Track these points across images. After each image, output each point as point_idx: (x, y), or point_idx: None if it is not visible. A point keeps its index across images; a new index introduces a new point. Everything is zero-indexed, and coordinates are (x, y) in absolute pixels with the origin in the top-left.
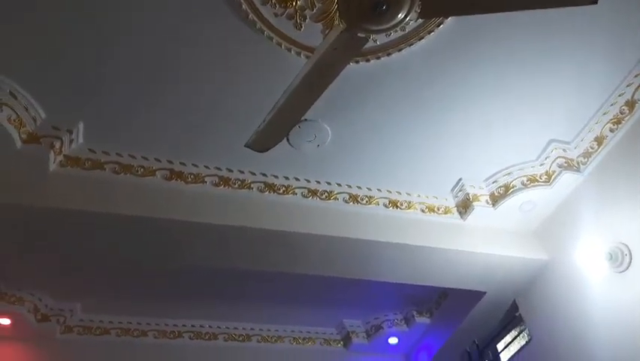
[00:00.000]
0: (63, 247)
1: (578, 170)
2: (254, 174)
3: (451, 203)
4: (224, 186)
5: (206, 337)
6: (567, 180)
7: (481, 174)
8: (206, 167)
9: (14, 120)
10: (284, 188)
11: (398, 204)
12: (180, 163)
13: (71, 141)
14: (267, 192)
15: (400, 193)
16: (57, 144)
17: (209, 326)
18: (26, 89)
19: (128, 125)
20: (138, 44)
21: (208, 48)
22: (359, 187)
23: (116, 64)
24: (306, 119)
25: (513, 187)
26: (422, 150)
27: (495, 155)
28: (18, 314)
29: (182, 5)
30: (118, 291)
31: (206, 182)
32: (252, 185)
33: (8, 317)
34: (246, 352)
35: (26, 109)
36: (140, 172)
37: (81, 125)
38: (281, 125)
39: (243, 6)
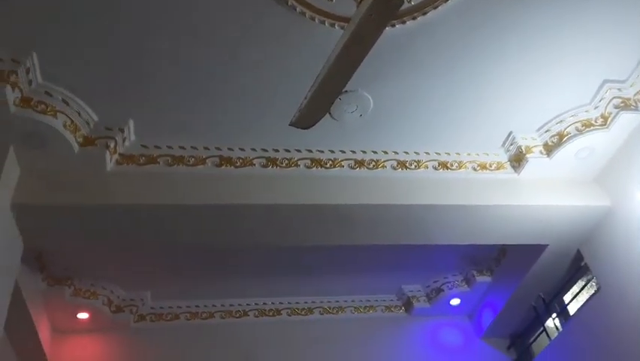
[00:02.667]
0: (128, 240)
1: (636, 109)
2: (299, 151)
3: (504, 158)
4: (272, 166)
5: (270, 313)
6: (625, 121)
7: (532, 125)
8: (253, 149)
9: (69, 126)
10: (331, 162)
11: (448, 165)
12: (228, 149)
13: (124, 140)
14: (315, 168)
15: (448, 154)
16: (112, 144)
17: (272, 303)
18: (77, 94)
19: (174, 118)
20: (174, 35)
21: (242, 32)
22: (406, 152)
23: (157, 58)
24: (346, 91)
25: (567, 134)
26: (467, 107)
27: (545, 103)
28: (94, 308)
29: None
30: (183, 277)
31: (254, 164)
32: (298, 162)
33: (86, 311)
34: (309, 324)
35: (79, 114)
36: (191, 162)
37: (131, 123)
38: (323, 100)
39: None
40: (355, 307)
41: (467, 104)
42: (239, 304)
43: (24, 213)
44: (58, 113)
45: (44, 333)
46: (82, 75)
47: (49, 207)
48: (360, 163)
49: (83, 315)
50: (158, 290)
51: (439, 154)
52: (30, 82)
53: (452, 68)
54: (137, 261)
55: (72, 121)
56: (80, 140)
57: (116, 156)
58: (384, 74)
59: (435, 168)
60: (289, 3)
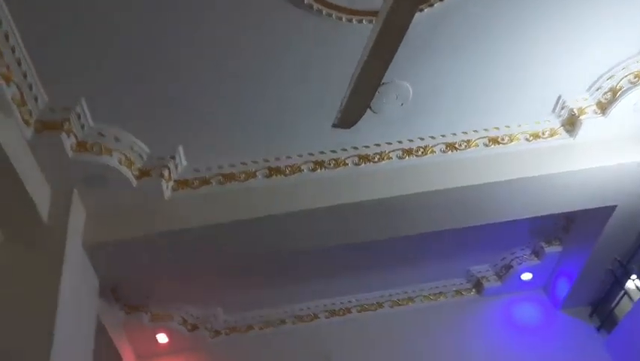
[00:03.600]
0: (193, 261)
1: None
2: (345, 150)
3: (556, 124)
4: (320, 169)
5: (340, 312)
6: None
7: (581, 85)
8: (300, 155)
9: (125, 161)
10: (378, 156)
11: (499, 140)
12: (275, 159)
13: (177, 166)
14: (363, 164)
15: (497, 129)
16: (166, 172)
17: (341, 302)
18: (126, 130)
19: (221, 138)
20: (202, 57)
21: (274, 42)
22: (453, 134)
23: (199, 87)
24: (382, 83)
25: (620, 89)
26: (509, 77)
27: (591, 60)
28: (172, 329)
29: (241, 13)
30: (250, 288)
31: (303, 170)
32: (346, 161)
33: (165, 333)
34: (380, 319)
35: (131, 148)
36: (242, 177)
37: (181, 149)
38: (362, 97)
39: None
40: (424, 296)
41: (509, 75)
42: (308, 308)
43: (95, 251)
44: (112, 152)
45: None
46: (129, 111)
47: (117, 242)
48: (408, 152)
49: (162, 338)
50: (228, 304)
51: (488, 130)
52: (82, 126)
53: (488, 41)
54: (204, 279)
55: (126, 156)
56: (136, 173)
57: (171, 183)
58: (419, 60)
59: (486, 145)
60: (315, 8)
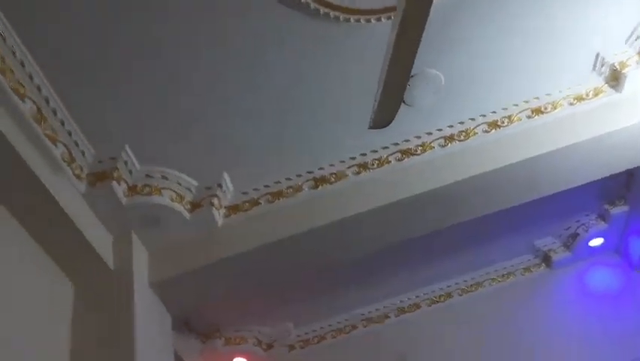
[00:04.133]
0: (257, 280)
1: None
2: (386, 147)
3: (599, 82)
4: (364, 170)
5: (410, 309)
6: None
7: (618, 38)
8: (342, 161)
9: (175, 198)
10: (420, 147)
11: (542, 109)
12: (319, 169)
13: (225, 193)
14: (406, 158)
15: (538, 98)
16: (215, 201)
17: (408, 298)
18: (172, 167)
19: (261, 158)
20: (230, 80)
21: (299, 52)
22: (493, 112)
23: (240, 112)
24: (412, 75)
25: None
26: (542, 44)
27: (625, 10)
28: (248, 351)
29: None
30: (316, 298)
31: (348, 175)
32: (389, 158)
33: (242, 357)
34: (451, 309)
35: (179, 183)
36: (290, 192)
37: (226, 176)
38: (394, 93)
39: (312, 6)
40: (492, 279)
41: (541, 41)
42: (377, 309)
43: (163, 288)
44: (162, 190)
45: None
46: (173, 149)
47: (182, 276)
48: (449, 139)
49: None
50: (298, 318)
51: (528, 101)
52: (130, 172)
53: (512, 11)
54: (271, 296)
55: (176, 192)
56: (188, 206)
57: (222, 210)
58: (444, 45)
59: (529, 117)
60: (332, 15)
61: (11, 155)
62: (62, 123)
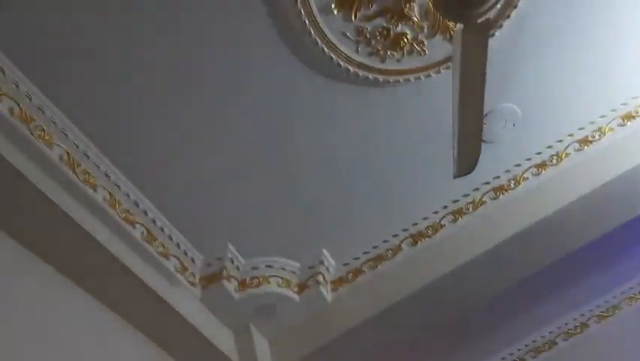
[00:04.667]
0: (380, 346)
1: None
2: (477, 189)
3: None
4: (461, 217)
5: (545, 347)
6: None
7: None
8: (435, 213)
9: (282, 283)
10: (513, 181)
11: (632, 114)
12: (412, 225)
13: (328, 268)
14: (502, 195)
15: (625, 104)
16: (320, 278)
17: (541, 337)
18: (274, 255)
19: (356, 227)
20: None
21: (368, 125)
22: (581, 128)
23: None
24: (485, 114)
25: None
26: (612, 51)
27: None
28: None
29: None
30: (443, 353)
31: (444, 224)
32: (483, 199)
33: None
34: (588, 341)
35: (283, 269)
36: (390, 255)
37: (325, 252)
38: (471, 139)
39: (360, 74)
40: (631, 297)
41: (609, 48)
42: (510, 354)
43: None
44: (269, 279)
45: None
46: (271, 237)
47: (305, 358)
48: (541, 166)
49: None
50: None
51: (616, 110)
52: (237, 267)
53: (570, 30)
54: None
55: (282, 278)
56: (296, 289)
57: (329, 286)
58: (511, 77)
59: (621, 125)
60: (391, 81)
61: (129, 275)
62: (170, 238)
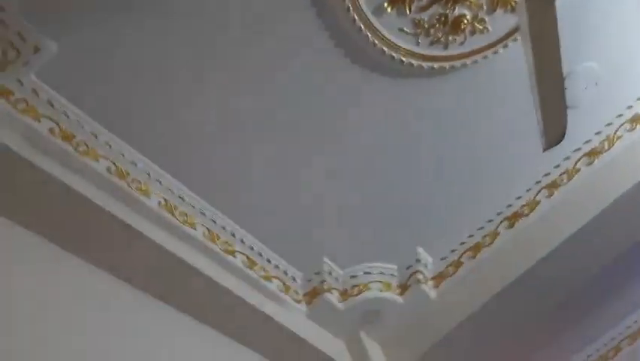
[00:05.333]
0: (494, 334)
1: None
2: (568, 158)
3: None
4: (556, 189)
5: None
6: None
7: None
8: (528, 190)
9: (384, 287)
10: (606, 142)
11: None
12: (507, 207)
13: (426, 265)
14: (596, 159)
15: None
16: (420, 277)
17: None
18: (369, 260)
19: (447, 219)
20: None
21: (433, 115)
22: None
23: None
24: (564, 78)
25: None
26: None
27: None
28: None
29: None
30: (552, 338)
31: (540, 200)
32: (577, 167)
33: None
34: None
35: (382, 273)
36: (488, 241)
37: (420, 250)
38: (555, 108)
39: (425, 66)
40: None
41: None
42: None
43: None
44: (369, 284)
45: None
46: (365, 244)
47: (420, 357)
48: (636, 120)
49: None
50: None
51: None
52: (336, 279)
53: None
54: (511, 349)
55: (381, 282)
56: (398, 291)
57: (430, 283)
58: (584, 36)
59: None
60: (449, 67)
61: (240, 303)
62: (269, 261)
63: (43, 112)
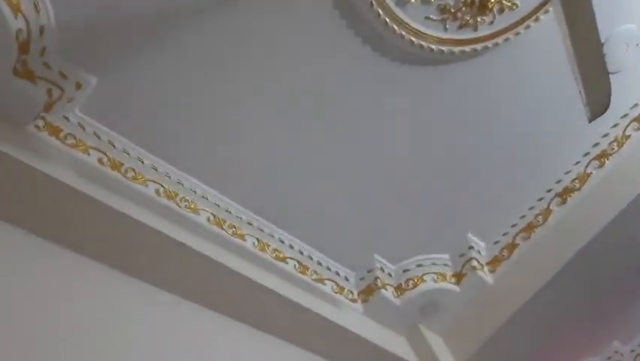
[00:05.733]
0: (561, 316)
1: None
2: (616, 125)
3: None
4: (607, 159)
5: None
6: None
7: None
8: (576, 163)
9: (439, 278)
10: None
11: None
12: (556, 182)
13: (479, 251)
14: None
15: None
16: (475, 263)
17: None
18: (421, 252)
19: (498, 202)
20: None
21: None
22: None
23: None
24: (603, 43)
25: None
26: None
27: None
28: None
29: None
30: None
31: (591, 172)
32: (627, 133)
33: None
34: None
35: (434, 264)
36: (540, 220)
37: (471, 236)
38: (598, 75)
39: (456, 51)
40: None
41: None
42: None
43: None
44: (424, 276)
45: None
46: (414, 236)
47: (484, 344)
48: None
49: None
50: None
51: None
52: (389, 274)
53: None
54: (580, 323)
55: (436, 273)
56: (453, 280)
57: (486, 268)
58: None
59: None
60: (481, 48)
61: (298, 308)
62: (320, 263)
63: (90, 144)
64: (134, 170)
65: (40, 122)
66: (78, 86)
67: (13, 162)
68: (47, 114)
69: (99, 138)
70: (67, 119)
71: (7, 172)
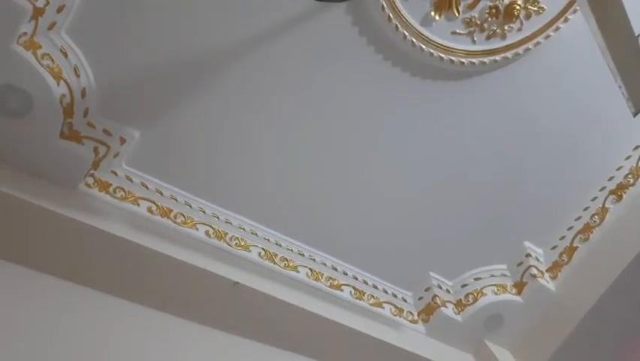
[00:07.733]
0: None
1: None
2: None
3: None
4: None
5: None
6: None
7: None
8: (628, 157)
9: (499, 290)
10: None
11: None
12: (608, 180)
13: (537, 258)
14: None
15: None
16: (535, 271)
17: None
18: (475, 266)
19: (547, 207)
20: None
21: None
22: None
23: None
24: (638, 35)
25: None
26: None
27: None
28: None
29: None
30: None
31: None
32: None
33: None
34: None
35: (492, 276)
36: (597, 220)
37: (528, 244)
38: (636, 69)
39: (487, 61)
40: None
41: None
42: None
43: None
44: (483, 290)
45: None
46: (467, 250)
47: (554, 355)
48: None
49: None
50: None
51: None
52: (448, 291)
53: None
54: None
55: (496, 285)
56: (514, 291)
57: (547, 276)
58: None
59: None
60: (512, 56)
61: (357, 335)
62: (376, 287)
63: (139, 195)
64: (182, 215)
65: (90, 180)
66: (122, 141)
67: (68, 222)
68: (96, 171)
69: (147, 187)
70: (115, 173)
71: (63, 231)
